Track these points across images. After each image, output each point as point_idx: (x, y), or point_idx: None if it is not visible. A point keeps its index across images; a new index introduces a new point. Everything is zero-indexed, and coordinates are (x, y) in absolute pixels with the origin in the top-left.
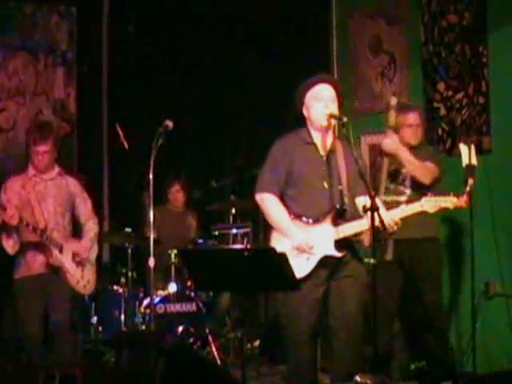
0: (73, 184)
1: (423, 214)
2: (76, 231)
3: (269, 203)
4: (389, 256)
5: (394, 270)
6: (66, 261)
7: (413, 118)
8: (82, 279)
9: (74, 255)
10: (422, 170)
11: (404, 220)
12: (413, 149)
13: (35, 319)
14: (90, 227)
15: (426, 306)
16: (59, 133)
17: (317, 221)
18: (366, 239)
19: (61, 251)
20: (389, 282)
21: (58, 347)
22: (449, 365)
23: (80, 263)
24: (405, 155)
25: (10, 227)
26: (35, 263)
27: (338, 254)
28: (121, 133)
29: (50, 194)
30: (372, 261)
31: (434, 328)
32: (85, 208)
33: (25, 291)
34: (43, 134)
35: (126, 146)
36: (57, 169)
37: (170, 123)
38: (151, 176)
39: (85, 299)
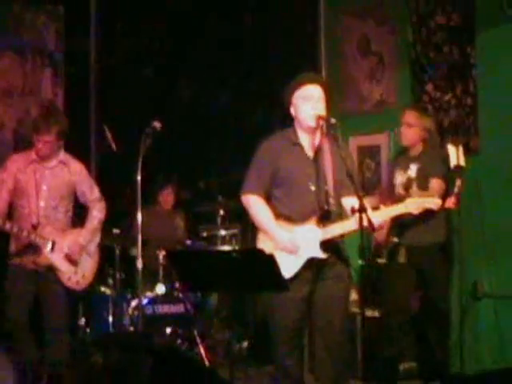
0: (77, 172)
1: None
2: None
3: (254, 205)
4: (402, 258)
5: (406, 273)
6: (56, 259)
7: (406, 116)
8: (76, 275)
9: (68, 253)
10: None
11: (415, 225)
12: (421, 154)
13: (22, 305)
14: (94, 215)
15: (434, 311)
16: (64, 122)
17: (302, 222)
18: (380, 236)
19: (52, 248)
20: (401, 285)
21: (49, 345)
22: (440, 365)
23: (73, 260)
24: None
25: None
26: (26, 258)
27: (323, 256)
28: (109, 134)
29: (45, 186)
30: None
31: (437, 331)
32: (91, 195)
33: (16, 277)
34: (47, 124)
35: (114, 147)
36: (61, 156)
37: (157, 124)
38: (139, 177)
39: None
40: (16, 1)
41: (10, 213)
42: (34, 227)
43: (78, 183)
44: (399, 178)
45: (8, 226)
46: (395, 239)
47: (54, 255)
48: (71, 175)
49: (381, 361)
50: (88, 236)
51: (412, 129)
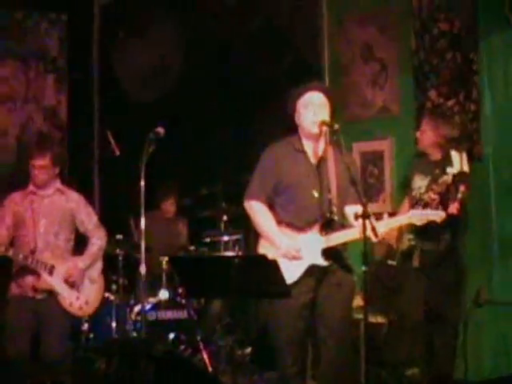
0: (74, 200)
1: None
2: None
3: (256, 211)
4: (416, 262)
5: (419, 277)
6: (56, 283)
7: (423, 122)
8: (78, 300)
9: (67, 277)
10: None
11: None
12: (441, 161)
13: (24, 338)
14: (94, 242)
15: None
16: (58, 149)
17: (305, 229)
18: (390, 238)
19: (51, 273)
20: (414, 289)
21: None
22: (443, 372)
23: (73, 284)
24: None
25: None
26: (25, 285)
27: (325, 263)
28: (112, 140)
29: (43, 213)
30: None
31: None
32: (89, 223)
33: (16, 309)
34: (40, 148)
35: (117, 152)
36: (58, 185)
37: (161, 130)
38: (143, 183)
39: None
40: (19, 8)
41: (13, 243)
42: (32, 252)
43: (76, 211)
44: (418, 183)
45: (7, 251)
46: (412, 242)
47: (54, 279)
48: (68, 202)
49: (385, 367)
50: (87, 261)
51: (425, 134)
